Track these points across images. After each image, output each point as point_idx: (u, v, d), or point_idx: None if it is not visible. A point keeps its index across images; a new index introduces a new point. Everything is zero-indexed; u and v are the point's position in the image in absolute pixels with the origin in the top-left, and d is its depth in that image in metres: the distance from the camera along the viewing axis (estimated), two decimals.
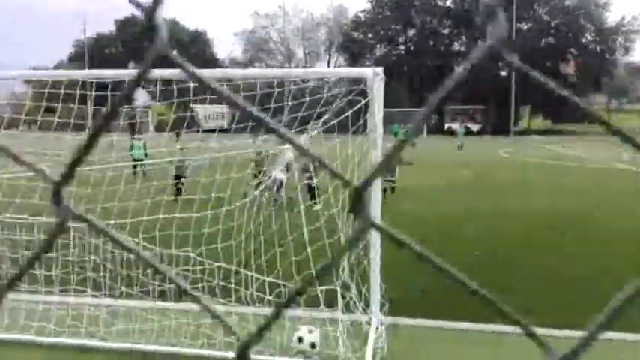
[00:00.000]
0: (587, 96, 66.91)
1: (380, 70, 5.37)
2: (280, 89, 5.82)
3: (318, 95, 5.90)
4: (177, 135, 15.15)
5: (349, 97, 5.43)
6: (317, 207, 6.42)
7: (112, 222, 5.31)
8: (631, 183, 17.83)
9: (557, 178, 19.29)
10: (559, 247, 9.29)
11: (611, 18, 64.77)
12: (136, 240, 5.48)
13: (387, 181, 12.73)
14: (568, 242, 9.61)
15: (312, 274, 0.62)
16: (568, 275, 7.67)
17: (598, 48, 64.49)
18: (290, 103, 5.72)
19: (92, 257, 5.36)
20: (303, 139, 6.09)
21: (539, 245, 9.37)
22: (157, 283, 5.14)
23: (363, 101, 5.21)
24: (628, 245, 9.09)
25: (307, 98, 5.53)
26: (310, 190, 10.34)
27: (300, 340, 5.03)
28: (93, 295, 5.25)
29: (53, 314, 5.39)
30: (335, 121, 5.48)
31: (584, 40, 64.77)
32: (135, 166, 14.80)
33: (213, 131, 8.81)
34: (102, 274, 5.34)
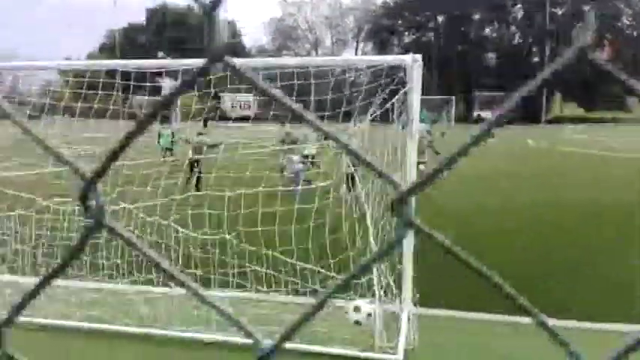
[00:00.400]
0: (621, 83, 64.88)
1: (419, 57, 5.16)
2: (318, 81, 5.76)
3: (356, 84, 5.85)
4: (205, 122, 15.32)
5: (391, 87, 5.29)
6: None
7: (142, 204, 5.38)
8: None
9: (593, 169, 18.79)
10: (598, 241, 9.04)
11: None
12: (165, 222, 5.57)
13: (419, 163, 12.34)
14: (606, 236, 9.35)
15: (351, 275, 0.62)
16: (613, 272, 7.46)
17: (635, 32, 62.39)
18: (330, 94, 5.67)
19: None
20: (350, 131, 6.06)
21: (579, 239, 9.14)
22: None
23: (403, 90, 5.08)
24: None
25: (347, 90, 5.48)
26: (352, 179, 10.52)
27: (356, 309, 5.05)
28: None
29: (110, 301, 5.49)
30: (378, 113, 5.39)
31: (620, 24, 62.70)
32: (164, 155, 15.07)
33: (241, 119, 8.82)
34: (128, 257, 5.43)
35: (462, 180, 14.18)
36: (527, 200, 12.39)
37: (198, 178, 10.80)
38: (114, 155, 0.54)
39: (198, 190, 9.45)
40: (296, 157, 11.66)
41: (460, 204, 11.79)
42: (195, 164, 11.19)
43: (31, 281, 5.86)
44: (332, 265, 5.28)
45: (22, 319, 0.62)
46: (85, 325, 5.18)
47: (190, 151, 11.96)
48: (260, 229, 5.34)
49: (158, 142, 16.86)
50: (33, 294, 0.61)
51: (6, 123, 0.59)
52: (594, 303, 6.15)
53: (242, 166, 6.05)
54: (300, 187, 8.94)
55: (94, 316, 5.30)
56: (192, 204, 5.80)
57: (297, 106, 0.53)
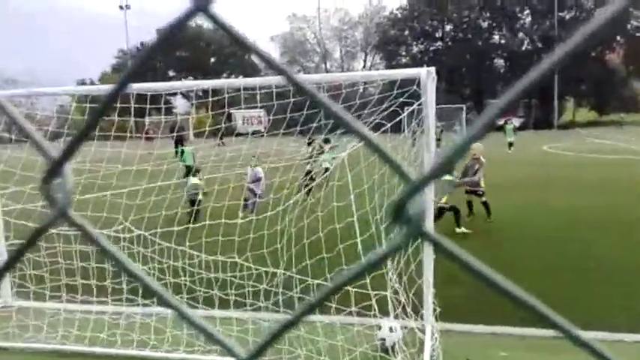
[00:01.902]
0: (634, 84, 64.37)
1: (432, 69, 5.20)
2: (336, 92, 5.82)
3: (367, 98, 5.85)
4: (222, 141, 15.35)
5: (402, 99, 5.31)
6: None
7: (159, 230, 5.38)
8: None
9: (610, 173, 18.53)
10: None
11: None
12: (183, 248, 5.55)
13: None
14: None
15: (343, 283, 0.56)
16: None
17: None
18: (345, 105, 5.69)
19: (141, 267, 5.42)
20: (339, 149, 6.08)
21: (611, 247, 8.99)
22: (203, 290, 5.16)
23: (416, 103, 5.08)
24: None
25: (357, 101, 5.47)
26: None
27: (379, 327, 5.14)
28: (144, 304, 5.30)
29: (105, 324, 5.48)
30: (389, 125, 5.39)
31: (630, 27, 62.23)
32: (187, 174, 14.96)
33: (253, 134, 8.90)
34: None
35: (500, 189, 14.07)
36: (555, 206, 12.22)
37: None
38: (82, 136, 0.51)
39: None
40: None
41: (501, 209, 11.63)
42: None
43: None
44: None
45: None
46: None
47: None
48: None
49: (182, 159, 16.78)
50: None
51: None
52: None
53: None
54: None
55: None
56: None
57: (343, 113, 0.50)
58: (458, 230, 9.85)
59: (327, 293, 0.56)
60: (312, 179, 10.26)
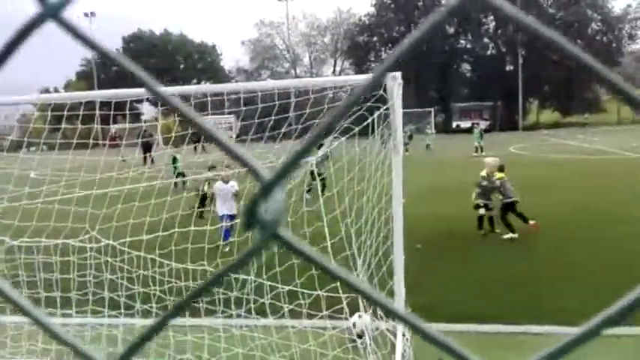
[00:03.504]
0: (595, 86, 66.40)
1: (398, 74, 5.27)
2: (299, 99, 5.81)
3: (335, 100, 5.86)
4: (203, 147, 15.06)
5: (369, 103, 5.35)
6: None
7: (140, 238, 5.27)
8: None
9: (575, 171, 19.03)
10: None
11: (617, 6, 64.29)
12: (152, 256, 5.46)
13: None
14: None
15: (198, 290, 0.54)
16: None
17: (605, 38, 63.90)
18: (308, 110, 5.69)
19: (109, 276, 5.31)
20: (323, 148, 6.07)
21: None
22: (173, 299, 5.08)
23: (384, 107, 5.12)
24: None
25: (326, 105, 5.48)
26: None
27: (354, 324, 5.21)
28: (110, 315, 5.19)
29: (70, 336, 5.33)
30: (357, 129, 5.42)
31: (590, 31, 64.18)
32: (178, 178, 14.99)
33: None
34: (119, 292, 5.29)
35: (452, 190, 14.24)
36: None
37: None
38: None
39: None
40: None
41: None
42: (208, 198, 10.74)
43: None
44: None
45: None
46: None
47: (205, 185, 11.48)
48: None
49: (174, 166, 16.62)
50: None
51: None
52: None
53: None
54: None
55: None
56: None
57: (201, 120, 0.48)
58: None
59: (192, 295, 0.54)
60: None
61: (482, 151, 27.82)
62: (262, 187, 0.45)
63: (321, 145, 6.64)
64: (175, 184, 14.29)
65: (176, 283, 5.15)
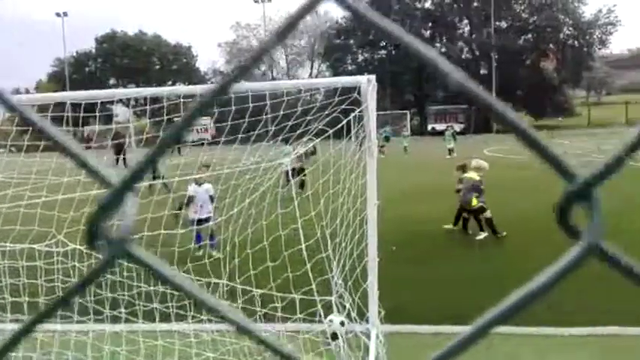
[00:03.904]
0: (567, 90, 67.86)
1: (372, 77, 5.29)
2: (273, 100, 5.76)
3: (311, 105, 5.85)
4: (178, 150, 14.63)
5: (342, 106, 5.35)
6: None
7: None
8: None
9: (546, 173, 19.32)
10: None
11: (588, 12, 65.79)
12: (120, 260, 5.32)
13: None
14: None
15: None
16: None
17: (576, 42, 65.34)
18: (282, 112, 5.65)
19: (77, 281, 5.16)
20: (296, 150, 6.04)
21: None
22: (142, 304, 4.98)
23: (357, 110, 5.13)
24: None
25: (299, 108, 5.45)
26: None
27: (330, 321, 5.08)
28: (79, 321, 5.05)
29: (37, 343, 5.19)
30: (331, 131, 5.40)
31: (562, 36, 65.58)
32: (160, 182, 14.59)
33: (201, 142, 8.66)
34: (87, 298, 5.15)
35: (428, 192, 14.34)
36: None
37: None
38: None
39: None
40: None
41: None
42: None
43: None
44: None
45: None
46: None
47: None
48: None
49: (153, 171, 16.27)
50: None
51: None
52: None
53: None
54: None
55: None
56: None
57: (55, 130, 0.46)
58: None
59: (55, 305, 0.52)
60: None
61: (451, 153, 27.94)
62: (110, 196, 0.41)
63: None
64: (151, 186, 14.03)
65: (145, 287, 5.05)
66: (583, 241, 0.38)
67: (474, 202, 9.90)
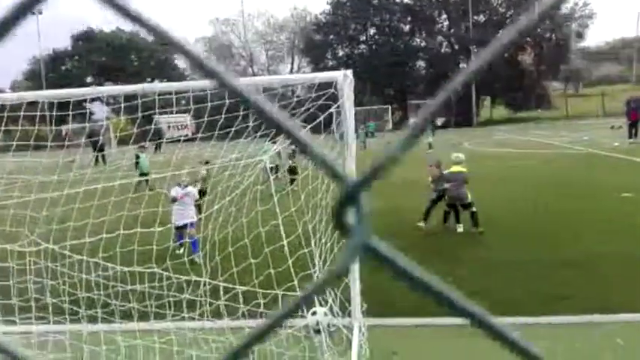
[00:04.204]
0: (545, 83, 68.70)
1: (349, 72, 5.32)
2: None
3: (288, 101, 5.81)
4: (159, 146, 14.28)
5: (319, 102, 5.34)
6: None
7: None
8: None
9: (525, 164, 19.59)
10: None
11: (565, 5, 66.39)
12: (96, 260, 5.24)
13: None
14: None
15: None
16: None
17: (553, 36, 66.11)
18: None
19: (50, 282, 5.07)
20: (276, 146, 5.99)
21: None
22: (119, 303, 4.89)
23: (335, 105, 5.12)
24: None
25: (276, 104, 5.41)
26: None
27: (314, 313, 5.21)
28: (55, 322, 4.95)
29: (16, 344, 5.07)
30: (308, 128, 5.37)
31: (539, 29, 66.22)
32: (143, 180, 14.31)
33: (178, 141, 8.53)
34: (63, 298, 5.05)
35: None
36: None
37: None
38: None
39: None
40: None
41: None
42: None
43: None
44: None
45: None
46: None
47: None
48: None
49: (138, 167, 16.13)
50: None
51: None
52: None
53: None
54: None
55: None
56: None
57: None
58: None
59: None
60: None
61: (431, 147, 27.52)
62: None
63: (274, 142, 6.59)
64: (139, 182, 13.94)
65: (122, 287, 4.97)
66: (353, 241, 0.43)
67: (469, 195, 9.94)
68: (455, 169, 10.22)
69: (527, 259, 7.91)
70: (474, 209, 9.86)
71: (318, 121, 5.32)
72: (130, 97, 5.72)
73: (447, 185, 10.11)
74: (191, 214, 8.53)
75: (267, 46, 73.67)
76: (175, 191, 8.57)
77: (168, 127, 33.65)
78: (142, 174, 15.06)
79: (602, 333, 5.31)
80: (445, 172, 10.37)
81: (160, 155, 14.36)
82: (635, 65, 61.10)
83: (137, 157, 16.23)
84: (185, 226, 8.40)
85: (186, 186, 8.60)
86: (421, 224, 10.12)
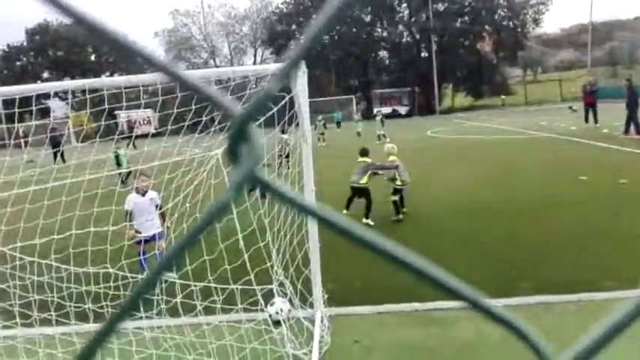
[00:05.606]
0: (504, 70, 70.10)
1: (302, 62, 5.29)
2: (218, 87, 5.63)
3: (242, 92, 5.75)
4: (134, 145, 13.75)
5: (274, 94, 5.30)
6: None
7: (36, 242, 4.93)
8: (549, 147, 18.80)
9: (488, 150, 19.99)
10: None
11: None
12: (48, 261, 5.13)
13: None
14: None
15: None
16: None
17: (511, 23, 67.39)
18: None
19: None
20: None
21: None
22: (74, 305, 4.80)
23: (287, 97, 5.10)
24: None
25: (229, 96, 5.36)
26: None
27: (272, 304, 5.27)
28: (4, 326, 4.83)
29: None
30: (262, 119, 5.34)
31: (497, 17, 67.42)
32: (123, 180, 14.54)
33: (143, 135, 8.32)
34: (12, 301, 4.92)
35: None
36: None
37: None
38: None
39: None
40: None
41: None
42: None
43: None
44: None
45: None
46: None
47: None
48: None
49: (118, 164, 15.92)
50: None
51: None
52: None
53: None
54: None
55: None
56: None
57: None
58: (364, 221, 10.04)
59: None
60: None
61: (381, 139, 26.58)
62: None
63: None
64: (122, 181, 14.18)
65: (76, 288, 4.88)
66: (241, 169, 0.44)
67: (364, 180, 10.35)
68: (394, 157, 10.83)
69: (481, 240, 8.12)
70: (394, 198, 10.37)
71: (271, 113, 5.30)
72: (90, 92, 5.56)
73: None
74: (157, 223, 7.10)
75: (230, 38, 72.81)
76: (132, 201, 7.10)
77: (130, 123, 32.96)
78: (123, 171, 15.28)
79: (555, 312, 5.49)
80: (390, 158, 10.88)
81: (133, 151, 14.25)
82: (589, 50, 62.84)
83: (116, 154, 16.23)
84: (154, 237, 7.01)
85: (145, 192, 7.11)
86: (345, 212, 10.48)
